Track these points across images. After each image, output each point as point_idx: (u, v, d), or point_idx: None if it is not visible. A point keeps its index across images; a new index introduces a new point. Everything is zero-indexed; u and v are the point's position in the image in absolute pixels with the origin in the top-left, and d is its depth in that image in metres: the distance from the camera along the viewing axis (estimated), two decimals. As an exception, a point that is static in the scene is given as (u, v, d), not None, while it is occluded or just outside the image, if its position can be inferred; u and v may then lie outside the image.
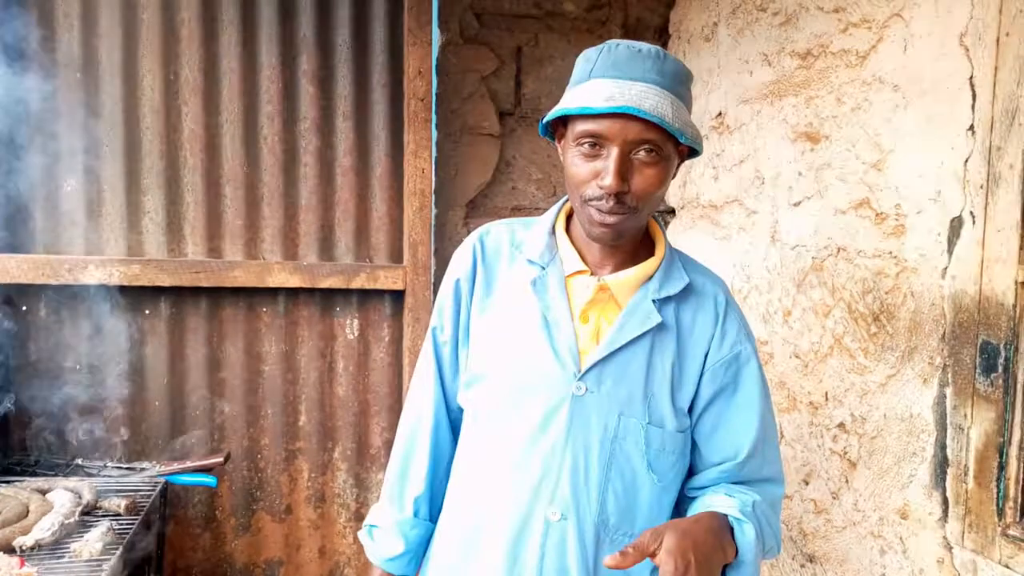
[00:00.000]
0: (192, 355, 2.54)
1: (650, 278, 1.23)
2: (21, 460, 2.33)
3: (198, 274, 2.45)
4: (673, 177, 1.20)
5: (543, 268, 1.25)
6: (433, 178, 2.61)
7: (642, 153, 1.11)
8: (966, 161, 1.46)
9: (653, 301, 1.21)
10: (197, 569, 2.58)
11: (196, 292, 2.52)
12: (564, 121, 1.20)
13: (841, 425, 1.80)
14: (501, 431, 1.23)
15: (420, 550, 1.36)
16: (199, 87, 2.50)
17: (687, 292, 1.25)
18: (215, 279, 2.47)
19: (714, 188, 2.44)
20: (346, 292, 2.61)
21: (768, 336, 2.11)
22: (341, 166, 2.61)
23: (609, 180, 1.10)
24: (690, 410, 1.25)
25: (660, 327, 1.21)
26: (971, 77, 1.46)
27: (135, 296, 2.48)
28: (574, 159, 1.15)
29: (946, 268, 1.51)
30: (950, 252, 1.50)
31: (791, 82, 2.02)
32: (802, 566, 1.93)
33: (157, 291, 2.49)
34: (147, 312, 2.50)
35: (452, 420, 1.36)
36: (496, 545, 1.21)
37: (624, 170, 1.11)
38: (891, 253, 1.65)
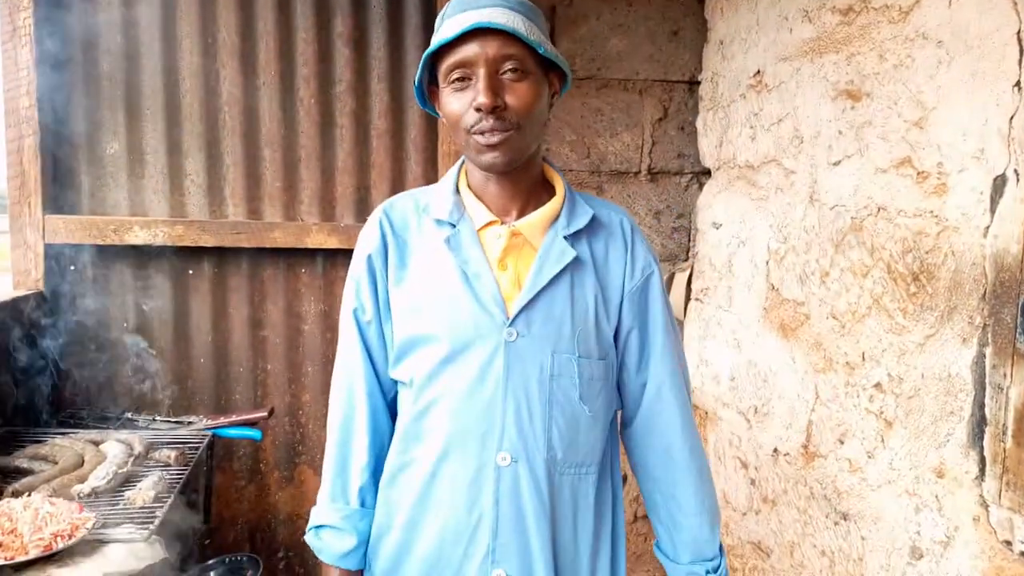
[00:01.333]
0: (235, 314, 2.61)
1: (557, 218, 1.27)
2: (74, 413, 2.42)
3: (239, 235, 2.50)
4: (551, 107, 1.25)
5: (453, 226, 1.26)
6: (468, 140, 2.62)
7: (508, 73, 1.16)
8: (1011, 118, 1.44)
9: (565, 238, 1.25)
10: (243, 519, 2.67)
11: (237, 252, 2.57)
12: (436, 83, 1.24)
13: (878, 385, 1.80)
14: (440, 391, 1.23)
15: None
16: (237, 50, 2.53)
17: (596, 226, 1.30)
18: (255, 240, 2.52)
19: (751, 148, 2.42)
20: (383, 253, 2.65)
21: (805, 297, 2.10)
22: (376, 128, 2.63)
23: (482, 98, 1.14)
24: (616, 338, 1.31)
25: (576, 262, 1.25)
26: (1019, 31, 1.42)
27: (179, 256, 2.54)
28: (448, 100, 1.20)
29: (988, 227, 1.49)
30: (992, 211, 1.48)
31: (832, 39, 1.98)
32: (836, 524, 1.95)
33: (200, 251, 2.55)
34: (191, 272, 2.57)
35: (388, 400, 1.34)
36: (451, 499, 1.23)
37: (495, 87, 1.15)
38: (932, 212, 1.64)
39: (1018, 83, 1.42)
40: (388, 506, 1.30)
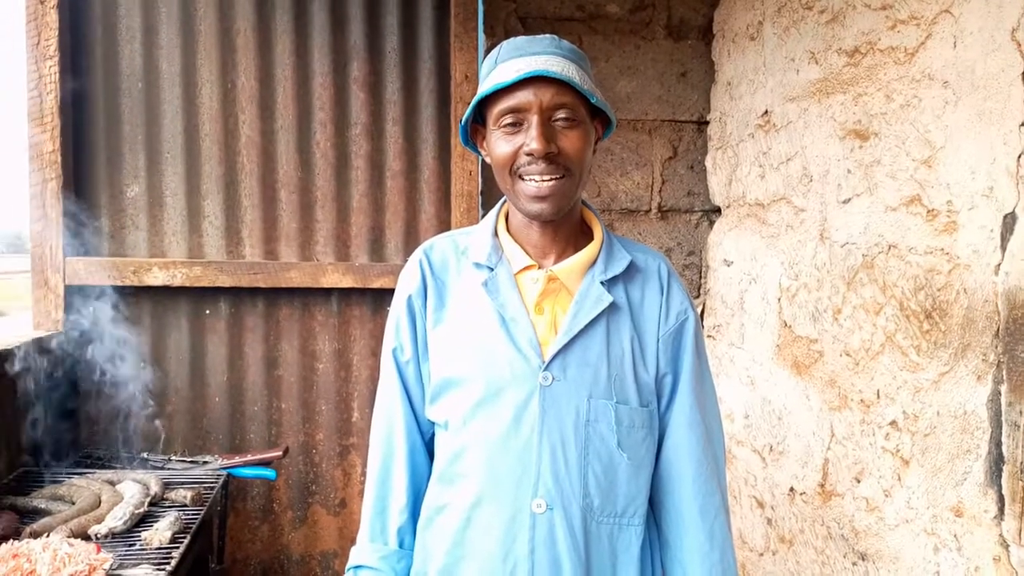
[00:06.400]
0: (250, 353, 2.63)
1: (594, 262, 1.27)
2: (91, 453, 2.44)
3: (256, 275, 2.54)
4: (594, 153, 1.25)
5: (491, 269, 1.27)
6: (480, 180, 2.66)
7: (560, 120, 1.17)
8: (1019, 157, 1.45)
9: (601, 283, 1.25)
10: (255, 559, 2.66)
11: (254, 292, 2.61)
12: (484, 122, 1.25)
13: (893, 423, 1.79)
14: (474, 434, 1.22)
15: None
16: (255, 95, 2.59)
17: (632, 271, 1.30)
18: (272, 280, 2.55)
19: (761, 186, 2.45)
20: (396, 292, 2.68)
21: (818, 334, 2.11)
22: (391, 169, 2.68)
23: (535, 144, 1.15)
24: (656, 384, 1.28)
25: (613, 307, 1.25)
26: (1023, 73, 1.45)
27: (196, 296, 2.58)
28: (497, 142, 1.20)
29: (999, 264, 1.50)
30: (1003, 248, 1.49)
31: (839, 79, 2.02)
32: (854, 564, 1.93)
33: (217, 291, 2.58)
34: (207, 312, 2.60)
35: (426, 440, 1.34)
36: (486, 547, 1.21)
37: (548, 134, 1.16)
38: (943, 250, 1.65)
39: (1024, 123, 1.44)
40: (425, 551, 1.28)
